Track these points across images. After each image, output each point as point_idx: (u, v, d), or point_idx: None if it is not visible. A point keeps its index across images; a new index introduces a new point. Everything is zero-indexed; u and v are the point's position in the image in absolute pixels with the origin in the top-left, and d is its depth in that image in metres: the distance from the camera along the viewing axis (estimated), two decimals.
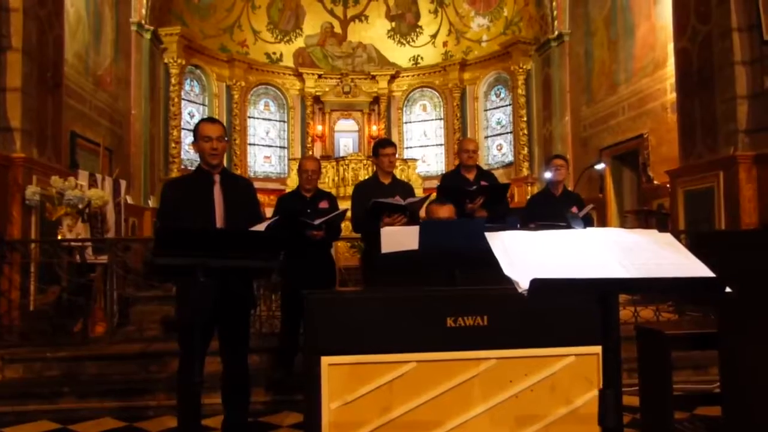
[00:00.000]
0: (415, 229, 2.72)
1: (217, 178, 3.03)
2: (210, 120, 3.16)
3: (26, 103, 5.30)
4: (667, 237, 1.46)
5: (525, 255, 1.33)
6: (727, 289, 1.26)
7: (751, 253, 2.40)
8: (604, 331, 1.36)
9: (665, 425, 2.95)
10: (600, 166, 9.29)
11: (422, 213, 4.31)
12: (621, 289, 1.36)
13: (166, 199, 3.12)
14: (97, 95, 8.70)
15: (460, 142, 4.82)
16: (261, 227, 2.78)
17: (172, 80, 11.87)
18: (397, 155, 4.54)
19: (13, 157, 5.08)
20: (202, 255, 2.20)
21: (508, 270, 1.27)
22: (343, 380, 2.25)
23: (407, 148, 14.76)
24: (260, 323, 4.98)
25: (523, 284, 1.21)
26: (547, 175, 4.81)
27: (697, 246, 2.72)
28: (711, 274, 1.27)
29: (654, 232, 1.49)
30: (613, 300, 1.34)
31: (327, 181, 11.89)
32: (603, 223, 9.54)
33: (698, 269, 1.30)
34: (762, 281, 2.27)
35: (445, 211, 3.21)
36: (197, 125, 3.07)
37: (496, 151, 14.03)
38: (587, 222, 4.43)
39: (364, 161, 12.18)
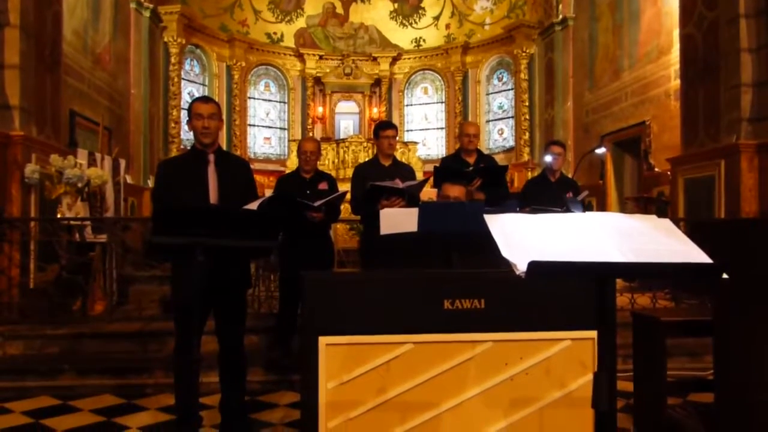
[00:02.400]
0: (414, 211, 2.72)
1: (211, 157, 3.00)
2: (203, 98, 3.14)
3: (24, 80, 5.26)
4: (666, 222, 1.46)
5: (523, 238, 1.33)
6: (724, 276, 1.27)
7: (747, 242, 2.41)
8: (599, 315, 1.37)
9: (658, 410, 2.98)
10: (600, 151, 9.26)
11: (422, 195, 4.31)
12: (618, 274, 1.36)
13: (161, 179, 3.10)
14: (96, 74, 8.64)
15: (461, 125, 4.80)
16: (253, 206, 2.77)
17: (172, 59, 11.79)
18: (398, 138, 4.52)
19: (11, 135, 5.05)
20: (200, 234, 2.20)
21: (506, 252, 1.27)
22: (340, 360, 2.26)
23: (408, 131, 14.70)
24: (259, 303, 5.01)
25: (521, 267, 1.21)
26: (547, 158, 4.80)
27: (694, 234, 2.72)
28: (708, 260, 1.28)
29: (653, 217, 1.49)
30: (609, 284, 1.34)
31: (327, 163, 11.86)
32: (603, 209, 9.53)
33: (696, 255, 1.30)
34: (757, 270, 2.27)
35: (456, 191, 3.25)
36: (190, 104, 3.06)
37: (497, 135, 13.98)
38: (583, 208, 4.43)
39: (365, 143, 12.14)
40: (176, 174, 3.03)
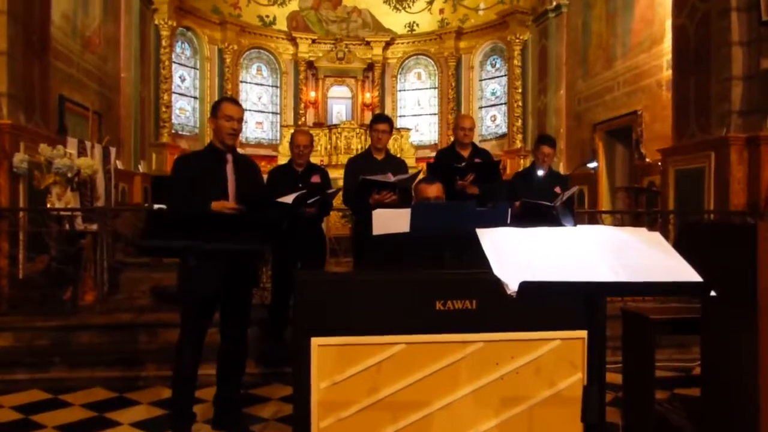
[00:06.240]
0: (406, 212, 2.73)
1: (229, 157, 3.12)
2: (233, 101, 3.29)
3: (12, 66, 5.18)
4: (656, 236, 1.47)
5: (514, 254, 1.34)
6: (712, 293, 1.28)
7: (735, 244, 2.43)
8: (590, 329, 1.38)
9: (646, 406, 3.03)
10: (592, 165, 9.29)
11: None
12: (608, 293, 1.38)
13: (179, 176, 3.13)
14: (85, 57, 8.51)
15: (457, 118, 4.76)
16: (288, 199, 3.12)
17: (163, 42, 11.62)
18: (392, 132, 4.50)
19: None
20: (192, 238, 2.19)
21: (497, 270, 1.28)
22: (333, 361, 2.27)
23: (401, 116, 14.63)
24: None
25: (512, 286, 1.22)
26: (537, 157, 4.68)
27: (683, 234, 2.75)
28: (698, 278, 1.29)
29: (643, 230, 1.50)
30: (600, 301, 1.35)
31: (319, 149, 11.81)
32: (594, 198, 9.57)
33: (686, 272, 1.32)
34: (744, 273, 2.30)
35: (434, 190, 3.17)
36: (220, 103, 3.16)
37: (490, 122, 13.95)
38: (569, 204, 4.39)
39: (357, 129, 12.10)
40: (196, 171, 3.08)
